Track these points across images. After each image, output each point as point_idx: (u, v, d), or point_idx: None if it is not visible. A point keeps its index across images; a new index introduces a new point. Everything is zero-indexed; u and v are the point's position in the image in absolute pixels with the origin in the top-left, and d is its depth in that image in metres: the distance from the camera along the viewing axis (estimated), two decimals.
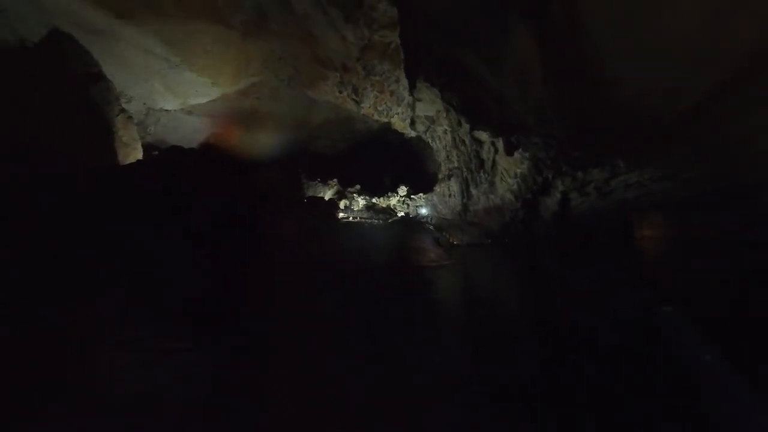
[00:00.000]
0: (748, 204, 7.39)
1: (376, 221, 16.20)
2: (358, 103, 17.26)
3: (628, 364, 4.69)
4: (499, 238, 13.64)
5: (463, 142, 13.79)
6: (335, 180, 19.33)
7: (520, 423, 3.67)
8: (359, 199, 18.98)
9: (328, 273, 8.85)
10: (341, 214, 16.73)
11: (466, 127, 12.60)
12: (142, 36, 13.39)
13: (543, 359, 5.01)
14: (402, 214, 18.20)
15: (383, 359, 4.97)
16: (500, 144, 11.49)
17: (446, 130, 15.35)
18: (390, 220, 16.43)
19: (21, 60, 10.92)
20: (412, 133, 18.54)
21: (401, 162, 21.56)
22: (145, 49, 13.93)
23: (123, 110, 12.67)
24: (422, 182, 19.77)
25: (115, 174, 9.42)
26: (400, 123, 18.10)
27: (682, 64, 5.23)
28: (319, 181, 18.81)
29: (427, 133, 17.39)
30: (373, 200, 19.09)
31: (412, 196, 19.24)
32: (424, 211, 18.17)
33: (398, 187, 19.76)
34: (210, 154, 17.31)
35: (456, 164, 15.61)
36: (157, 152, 15.18)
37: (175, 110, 17.00)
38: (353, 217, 16.77)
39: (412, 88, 14.63)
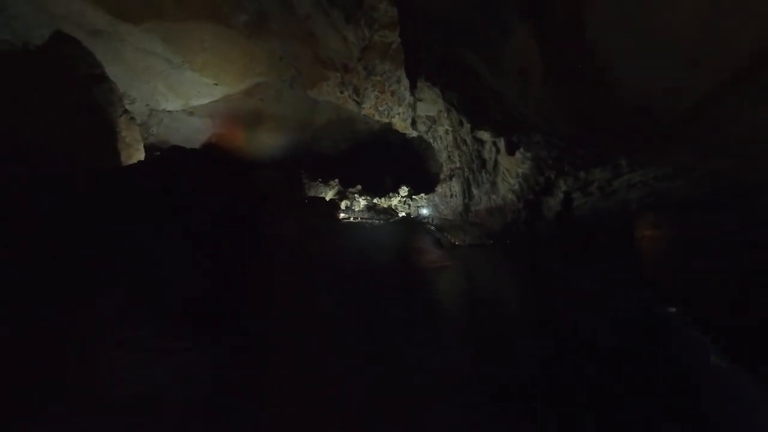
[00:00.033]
0: (748, 204, 7.37)
1: (376, 222, 16.19)
2: (359, 103, 17.27)
3: (628, 364, 4.68)
4: (500, 239, 13.62)
5: (465, 142, 13.77)
6: (336, 180, 19.32)
7: (520, 423, 3.67)
8: (360, 200, 18.96)
9: (328, 273, 8.86)
10: (342, 215, 16.72)
11: (468, 126, 12.57)
12: (143, 37, 13.44)
13: (543, 359, 5.01)
14: (403, 214, 18.18)
15: (383, 359, 4.98)
16: (502, 144, 11.46)
17: (447, 130, 15.32)
18: (391, 221, 16.42)
19: (24, 62, 10.98)
20: (414, 134, 18.52)
21: (402, 162, 21.54)
22: (147, 50, 13.98)
23: (126, 111, 12.72)
24: (423, 183, 19.73)
25: (115, 174, 9.44)
26: (401, 123, 18.10)
27: (682, 64, 5.22)
28: (321, 182, 18.82)
29: (429, 134, 17.37)
30: (375, 201, 19.07)
31: (413, 197, 19.21)
32: (425, 211, 18.14)
33: (399, 187, 19.71)
34: (212, 154, 17.34)
35: (457, 164, 15.59)
36: (159, 153, 15.22)
37: (177, 111, 17.05)
38: (354, 218, 16.76)
39: (413, 88, 14.61)
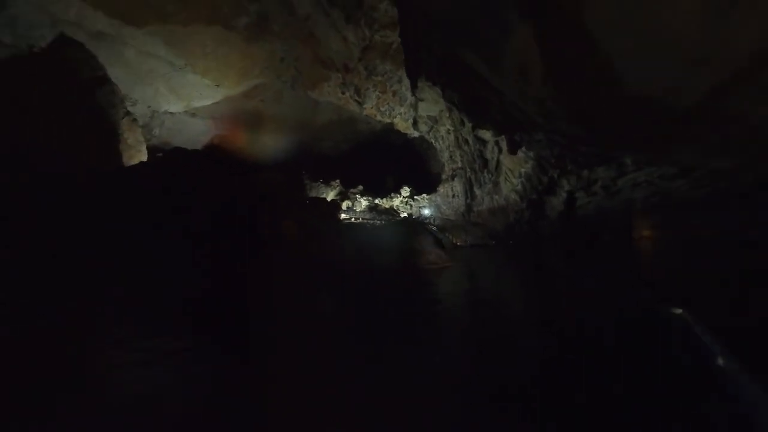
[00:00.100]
0: (749, 204, 7.36)
1: (378, 222, 16.18)
2: (360, 103, 17.29)
3: (628, 364, 4.66)
4: (503, 239, 13.61)
5: (467, 141, 13.77)
6: (338, 181, 19.34)
7: (520, 423, 3.66)
8: (362, 200, 18.97)
9: (328, 273, 8.86)
10: (344, 215, 16.72)
11: (469, 126, 12.58)
12: (146, 40, 13.49)
13: (543, 359, 4.99)
14: (405, 214, 18.17)
15: (383, 359, 4.97)
16: (504, 143, 11.47)
17: (449, 129, 15.33)
18: (392, 221, 16.41)
19: (28, 65, 11.06)
20: (415, 134, 18.54)
21: (404, 162, 21.54)
22: (150, 52, 14.04)
23: (128, 113, 12.80)
24: (425, 183, 19.73)
25: (115, 174, 9.47)
26: (402, 123, 18.11)
27: (682, 64, 5.21)
28: (322, 182, 18.83)
29: (430, 133, 17.37)
30: (376, 201, 19.07)
31: (415, 197, 19.21)
32: (427, 211, 18.14)
33: (401, 187, 19.73)
34: (214, 156, 17.37)
35: (459, 164, 15.60)
36: (161, 154, 15.28)
37: (179, 113, 17.10)
38: (355, 218, 16.76)
39: (414, 87, 14.63)
